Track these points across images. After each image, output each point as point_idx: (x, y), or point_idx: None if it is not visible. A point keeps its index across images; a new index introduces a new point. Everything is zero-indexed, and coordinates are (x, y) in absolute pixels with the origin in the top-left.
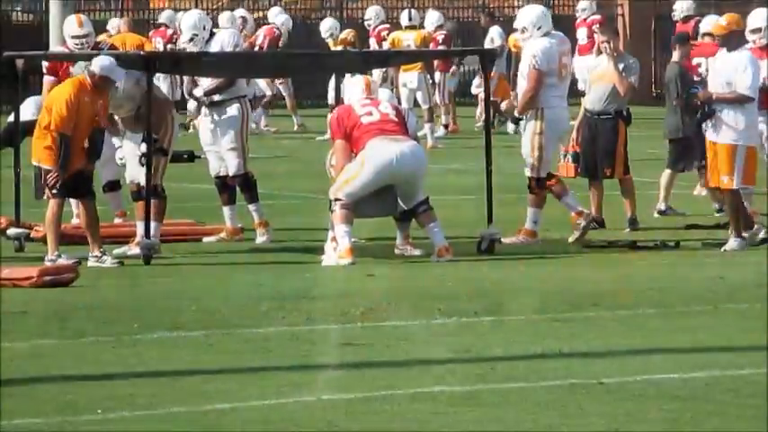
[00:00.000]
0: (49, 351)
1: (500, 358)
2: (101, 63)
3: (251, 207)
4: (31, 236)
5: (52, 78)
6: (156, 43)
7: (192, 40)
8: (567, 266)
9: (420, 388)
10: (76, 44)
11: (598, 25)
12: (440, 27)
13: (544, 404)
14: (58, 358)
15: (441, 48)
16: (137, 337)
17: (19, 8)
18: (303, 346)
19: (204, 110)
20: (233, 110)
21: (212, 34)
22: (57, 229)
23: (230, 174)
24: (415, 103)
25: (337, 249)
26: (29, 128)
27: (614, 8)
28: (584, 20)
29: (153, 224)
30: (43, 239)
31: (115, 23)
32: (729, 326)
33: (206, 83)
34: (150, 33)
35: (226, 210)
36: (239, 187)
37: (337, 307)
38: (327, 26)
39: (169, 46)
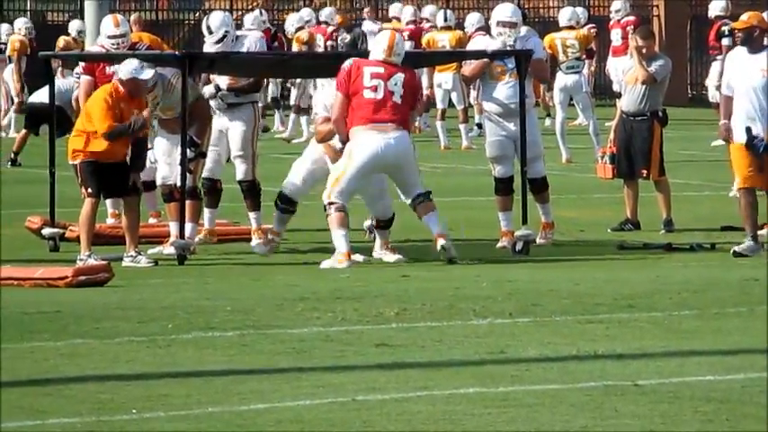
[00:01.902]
0: (84, 351)
1: (535, 360)
2: (125, 68)
3: (252, 215)
4: (66, 236)
5: (89, 78)
6: (317, 40)
7: (223, 38)
8: (602, 268)
9: (455, 389)
10: (113, 44)
11: (632, 27)
12: (480, 29)
13: (579, 406)
14: (92, 358)
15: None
16: (171, 337)
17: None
18: (337, 347)
19: (218, 111)
20: (246, 114)
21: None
22: (90, 229)
23: (237, 178)
24: (450, 104)
25: (335, 253)
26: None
27: (649, 9)
28: (619, 21)
29: (189, 225)
30: (78, 239)
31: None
32: (764, 328)
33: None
34: (311, 29)
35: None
36: (243, 193)
37: (372, 307)
38: (294, 19)
39: (329, 43)
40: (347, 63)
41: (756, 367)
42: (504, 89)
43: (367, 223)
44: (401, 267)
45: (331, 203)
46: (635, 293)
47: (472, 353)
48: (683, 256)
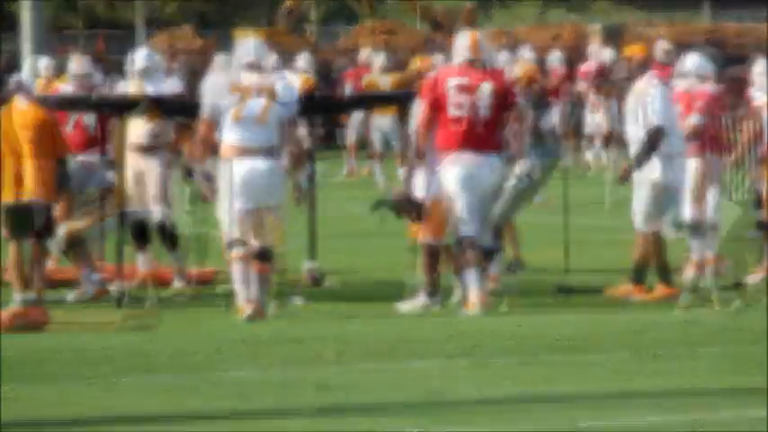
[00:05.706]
0: (24, 395)
1: (475, 401)
2: None
3: (172, 255)
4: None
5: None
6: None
7: (146, 69)
8: (544, 310)
9: (397, 431)
10: (74, 84)
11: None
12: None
13: None
14: (32, 402)
15: None
16: (111, 380)
17: None
18: (277, 390)
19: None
20: (162, 156)
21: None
22: (19, 271)
23: (155, 219)
24: (388, 147)
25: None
26: None
27: None
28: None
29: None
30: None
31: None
32: (705, 369)
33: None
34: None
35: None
36: (160, 234)
37: (311, 350)
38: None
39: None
40: (432, 72)
41: (696, 408)
42: None
43: (308, 266)
44: (341, 309)
45: (462, 238)
46: (576, 335)
47: (413, 395)
48: (624, 299)
